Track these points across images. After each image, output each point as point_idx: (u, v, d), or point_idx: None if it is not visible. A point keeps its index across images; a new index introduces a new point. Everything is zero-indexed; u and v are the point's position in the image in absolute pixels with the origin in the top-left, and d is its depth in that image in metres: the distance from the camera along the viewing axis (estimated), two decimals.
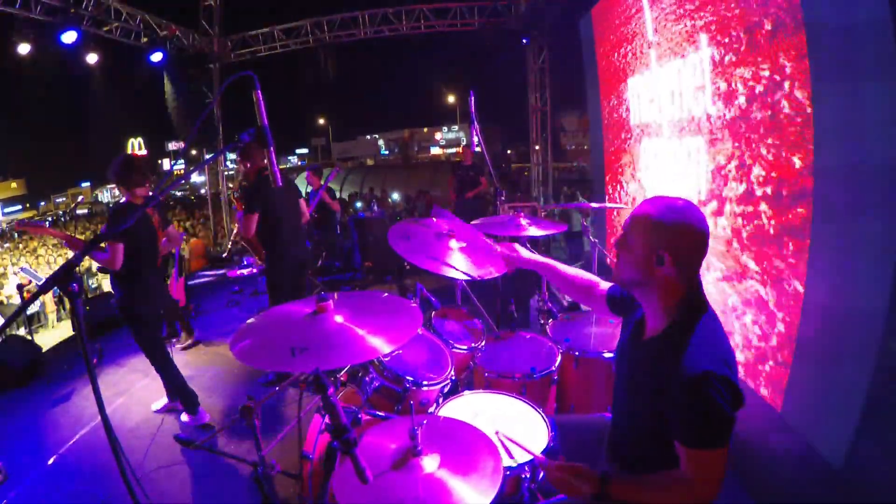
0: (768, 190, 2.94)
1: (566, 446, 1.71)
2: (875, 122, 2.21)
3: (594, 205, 3.18)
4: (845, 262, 2.43)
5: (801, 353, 2.71)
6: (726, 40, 3.27)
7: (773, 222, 2.92)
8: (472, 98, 2.87)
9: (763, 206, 2.98)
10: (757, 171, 3.03)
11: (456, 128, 42.68)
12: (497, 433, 1.60)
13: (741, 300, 3.27)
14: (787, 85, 2.71)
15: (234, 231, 4.15)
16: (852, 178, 2.35)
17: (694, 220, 1.28)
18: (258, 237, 3.70)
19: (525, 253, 1.93)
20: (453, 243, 2.18)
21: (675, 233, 1.27)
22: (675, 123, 4.10)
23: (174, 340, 4.81)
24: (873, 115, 2.21)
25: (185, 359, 4.59)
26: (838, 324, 2.49)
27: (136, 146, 29.49)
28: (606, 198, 6.10)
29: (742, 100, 3.12)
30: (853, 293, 2.40)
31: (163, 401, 3.60)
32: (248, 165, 3.58)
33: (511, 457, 1.57)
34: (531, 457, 1.54)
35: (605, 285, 1.70)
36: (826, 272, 2.52)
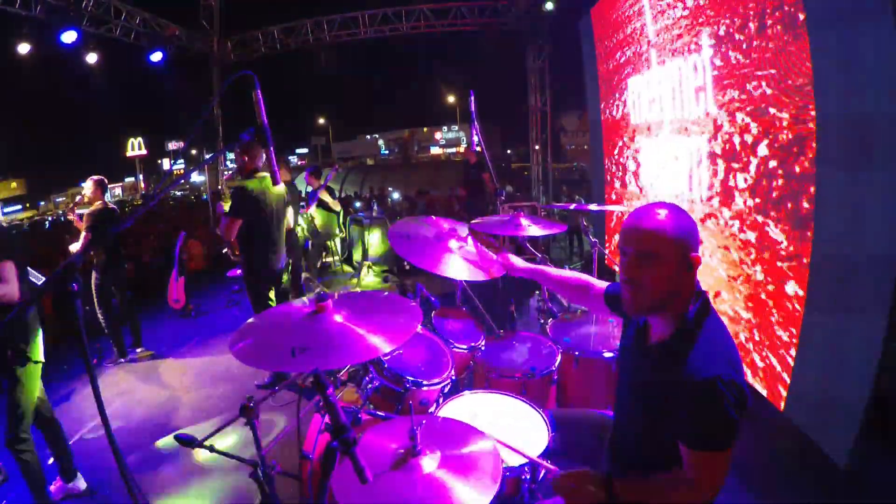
0: (773, 188, 2.93)
1: (566, 442, 1.71)
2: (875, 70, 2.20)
3: (593, 207, 3.18)
4: (850, 248, 2.42)
5: (804, 351, 2.71)
6: (728, 41, 3.27)
7: (777, 220, 2.91)
8: (473, 98, 2.87)
9: (767, 205, 2.98)
10: (758, 170, 3.03)
11: (456, 128, 42.71)
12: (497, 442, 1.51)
13: (745, 299, 3.27)
14: (789, 84, 2.71)
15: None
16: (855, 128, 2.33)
17: (689, 216, 1.31)
18: (238, 241, 3.64)
19: (518, 262, 1.95)
20: (453, 243, 2.18)
21: (694, 232, 1.28)
22: (675, 123, 4.10)
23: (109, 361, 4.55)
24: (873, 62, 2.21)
25: (183, 359, 4.60)
26: (842, 321, 2.48)
27: (136, 146, 29.53)
28: (605, 199, 6.10)
29: (744, 100, 3.12)
30: (857, 290, 2.40)
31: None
32: (246, 160, 3.55)
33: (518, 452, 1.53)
34: (532, 461, 1.53)
35: (600, 284, 1.69)
36: (830, 258, 2.52)
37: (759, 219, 3.03)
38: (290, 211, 3.90)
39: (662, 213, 1.28)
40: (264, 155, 3.81)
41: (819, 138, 2.49)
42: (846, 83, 2.36)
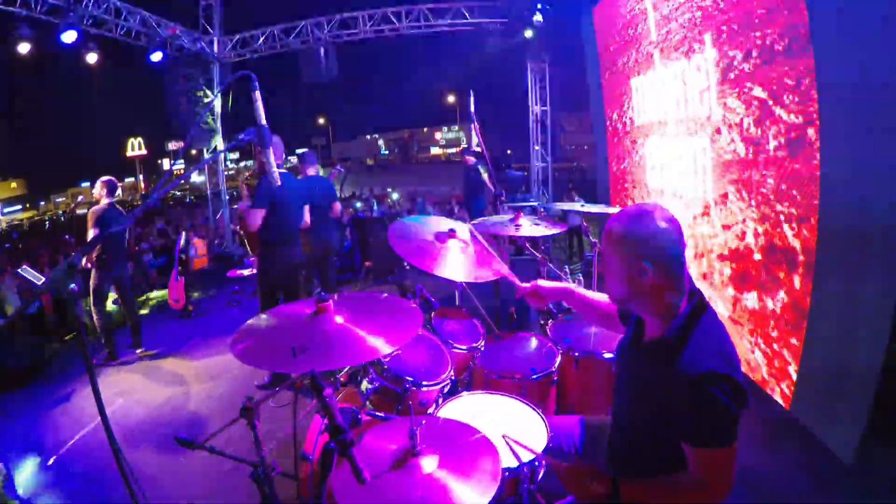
0: (774, 187, 2.94)
1: (564, 447, 1.70)
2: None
3: (593, 209, 3.17)
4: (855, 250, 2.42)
5: (810, 350, 2.71)
6: (730, 41, 3.27)
7: (780, 221, 2.92)
8: (472, 98, 2.87)
9: (770, 201, 2.98)
10: (762, 170, 3.03)
11: (456, 128, 42.72)
12: (504, 437, 1.56)
13: (751, 296, 3.27)
14: (793, 84, 2.71)
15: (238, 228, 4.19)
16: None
17: (662, 222, 1.28)
18: (259, 233, 3.72)
19: (547, 285, 1.87)
20: (453, 244, 2.18)
21: (648, 240, 1.27)
22: (680, 123, 4.10)
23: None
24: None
25: (183, 359, 4.60)
26: (848, 321, 2.48)
27: (136, 146, 29.54)
28: (610, 199, 6.09)
29: (747, 99, 3.12)
30: (862, 288, 2.40)
31: None
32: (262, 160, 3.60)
33: (517, 458, 1.55)
34: (538, 456, 1.52)
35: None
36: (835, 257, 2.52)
37: (766, 214, 3.02)
38: (306, 209, 3.98)
39: (625, 218, 1.32)
40: (275, 153, 3.84)
41: (822, 115, 2.48)
42: (847, 51, 2.36)
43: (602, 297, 1.75)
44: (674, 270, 1.29)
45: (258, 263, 3.82)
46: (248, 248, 3.99)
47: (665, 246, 1.28)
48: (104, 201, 4.28)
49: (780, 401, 2.96)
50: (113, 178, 4.43)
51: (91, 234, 4.18)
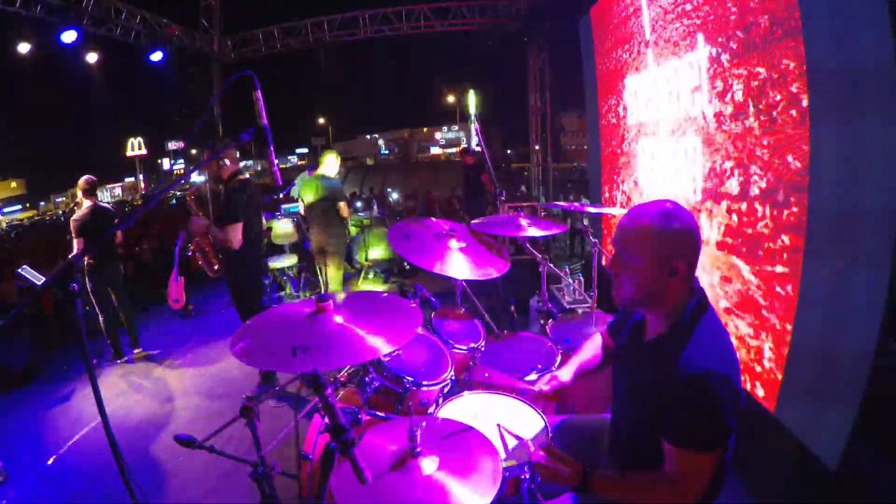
0: (764, 188, 2.94)
1: (566, 447, 1.71)
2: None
3: (592, 209, 3.18)
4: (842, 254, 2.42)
5: (796, 352, 2.71)
6: (722, 40, 3.28)
7: (768, 221, 2.92)
8: (473, 97, 2.87)
9: (758, 206, 2.99)
10: (753, 169, 3.03)
11: (456, 128, 42.74)
12: (498, 426, 1.62)
13: (734, 300, 3.27)
14: (783, 82, 2.71)
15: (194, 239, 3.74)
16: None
17: (692, 221, 1.28)
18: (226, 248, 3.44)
19: (564, 375, 1.82)
20: (453, 243, 2.18)
21: (683, 239, 1.25)
22: (672, 123, 4.10)
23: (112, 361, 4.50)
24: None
25: (182, 359, 4.60)
26: (834, 321, 2.48)
27: (136, 146, 29.50)
28: (603, 199, 6.11)
29: (738, 98, 3.12)
30: (850, 289, 2.40)
31: None
32: (228, 163, 3.39)
33: (506, 450, 1.57)
34: (524, 444, 1.54)
35: (599, 341, 1.76)
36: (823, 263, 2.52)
37: (757, 213, 3.03)
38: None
39: (651, 215, 1.26)
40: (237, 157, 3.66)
41: (812, 95, 2.48)
42: (838, 44, 2.33)
43: (585, 354, 1.79)
44: (694, 269, 1.28)
45: (234, 278, 3.55)
46: (210, 265, 3.63)
47: (696, 244, 1.27)
48: (85, 203, 4.20)
49: (766, 403, 2.96)
50: (92, 177, 4.29)
51: (76, 244, 4.13)
